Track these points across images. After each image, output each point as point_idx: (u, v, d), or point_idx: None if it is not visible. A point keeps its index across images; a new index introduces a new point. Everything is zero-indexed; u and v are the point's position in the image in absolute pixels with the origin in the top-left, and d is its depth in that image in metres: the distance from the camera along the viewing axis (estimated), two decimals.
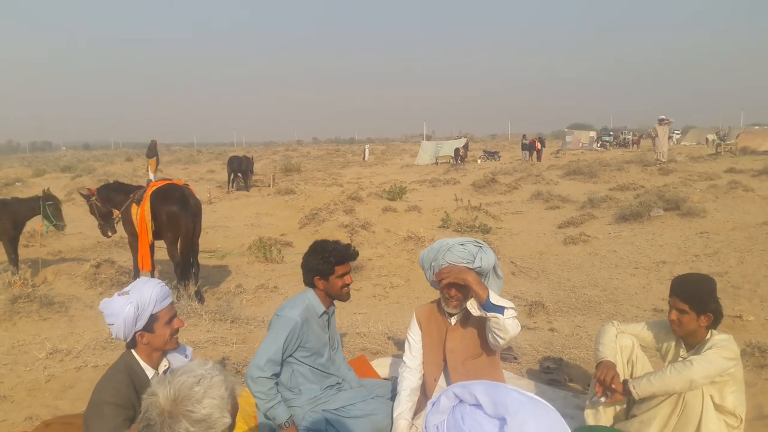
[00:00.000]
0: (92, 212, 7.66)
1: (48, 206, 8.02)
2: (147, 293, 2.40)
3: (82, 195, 7.90)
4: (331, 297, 3.13)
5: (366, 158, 41.31)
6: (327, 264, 3.02)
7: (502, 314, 2.75)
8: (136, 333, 2.39)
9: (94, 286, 7.51)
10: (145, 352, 2.43)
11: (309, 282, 3.11)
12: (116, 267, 8.10)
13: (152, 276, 7.63)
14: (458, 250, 2.91)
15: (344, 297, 3.14)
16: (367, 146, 47.72)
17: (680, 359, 2.87)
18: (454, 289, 2.92)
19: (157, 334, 2.41)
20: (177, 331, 2.48)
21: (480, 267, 2.90)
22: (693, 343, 2.88)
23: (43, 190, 8.41)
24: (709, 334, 2.85)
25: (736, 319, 5.73)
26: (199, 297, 6.96)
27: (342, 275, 3.07)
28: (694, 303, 2.80)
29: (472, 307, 2.88)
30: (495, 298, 2.78)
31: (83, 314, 6.41)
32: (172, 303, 2.50)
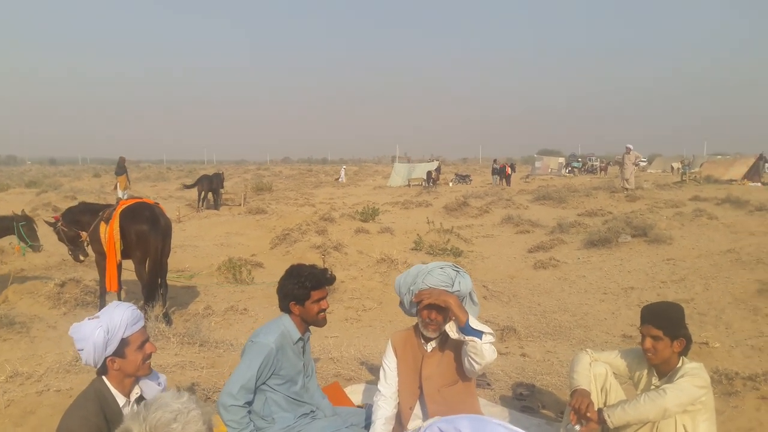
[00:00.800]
0: (60, 239, 7.43)
1: (21, 227, 7.69)
2: (117, 317, 2.33)
3: (47, 223, 7.65)
4: (306, 323, 3.06)
5: (341, 179, 41.25)
6: (302, 289, 2.96)
7: (480, 338, 2.75)
8: (106, 358, 2.31)
9: (57, 306, 7.27)
10: (116, 378, 2.35)
11: (284, 307, 3.05)
12: (81, 286, 7.85)
13: (119, 297, 7.44)
14: (438, 273, 2.93)
15: (320, 323, 3.07)
16: (343, 167, 47.73)
17: (653, 387, 2.90)
18: (434, 312, 2.92)
19: (128, 360, 2.33)
20: (149, 356, 2.41)
21: (458, 291, 2.92)
22: (665, 371, 2.91)
23: (17, 212, 8.00)
24: (680, 362, 2.89)
25: (702, 345, 5.83)
26: (167, 319, 6.80)
27: (318, 300, 3.00)
28: (668, 328, 2.84)
29: (451, 329, 2.90)
30: (474, 322, 2.80)
31: (45, 335, 6.18)
32: (144, 327, 2.43)
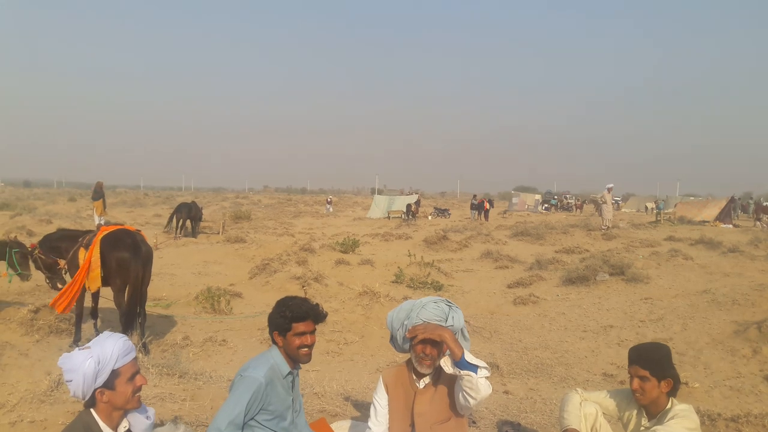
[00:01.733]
0: (37, 267, 7.27)
1: (15, 254, 7.36)
2: (109, 348, 2.30)
3: (24, 254, 7.42)
4: (289, 356, 2.96)
5: (329, 211, 41.04)
6: (283, 318, 2.88)
7: (476, 373, 2.74)
8: (95, 390, 2.26)
9: (30, 333, 7.05)
10: (104, 411, 2.30)
11: (271, 337, 3.00)
12: (56, 313, 7.64)
13: (95, 326, 7.27)
14: (432, 308, 2.94)
15: (301, 358, 2.95)
16: (329, 197, 47.72)
17: (642, 429, 2.91)
18: (429, 347, 2.90)
19: (118, 392, 2.29)
20: (140, 389, 2.36)
21: (452, 326, 2.93)
22: (655, 412, 2.94)
23: (9, 237, 7.76)
24: (669, 402, 2.92)
25: (682, 386, 5.88)
26: (145, 348, 6.65)
27: (301, 333, 2.90)
28: (655, 369, 2.88)
29: (446, 364, 2.89)
30: (469, 357, 2.80)
31: (17, 363, 5.98)
32: (135, 359, 2.39)
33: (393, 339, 3.17)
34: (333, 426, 3.57)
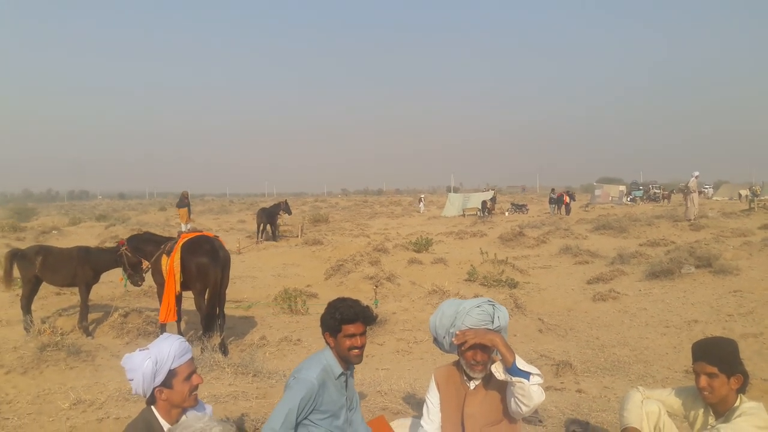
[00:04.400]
0: (121, 262, 7.85)
1: (117, 256, 7.97)
2: (166, 349, 2.45)
3: (111, 247, 8.07)
4: (340, 357, 3.01)
5: (422, 210, 40.97)
6: (333, 320, 2.94)
7: (528, 380, 2.68)
8: (155, 389, 2.42)
9: (121, 336, 7.61)
10: (164, 408, 2.46)
11: (324, 337, 3.08)
12: (144, 317, 8.20)
13: (178, 327, 7.71)
14: (477, 313, 2.89)
15: (352, 359, 2.99)
16: (422, 196, 47.70)
17: (709, 427, 2.77)
18: (479, 353, 2.86)
19: (175, 390, 2.44)
20: (196, 387, 2.50)
21: (499, 326, 2.88)
22: (722, 411, 2.79)
23: (121, 242, 8.29)
24: (738, 400, 2.76)
25: (766, 384, 5.51)
26: (223, 349, 6.99)
27: (351, 335, 2.94)
28: (723, 365, 2.74)
29: (497, 370, 2.82)
30: (521, 363, 2.73)
31: (109, 364, 6.47)
32: (191, 359, 2.53)
33: (436, 341, 3.15)
34: (393, 424, 3.62)
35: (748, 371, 2.81)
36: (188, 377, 2.47)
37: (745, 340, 6.93)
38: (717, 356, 2.76)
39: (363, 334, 3.00)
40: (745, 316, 7.72)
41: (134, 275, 7.81)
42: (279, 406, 2.80)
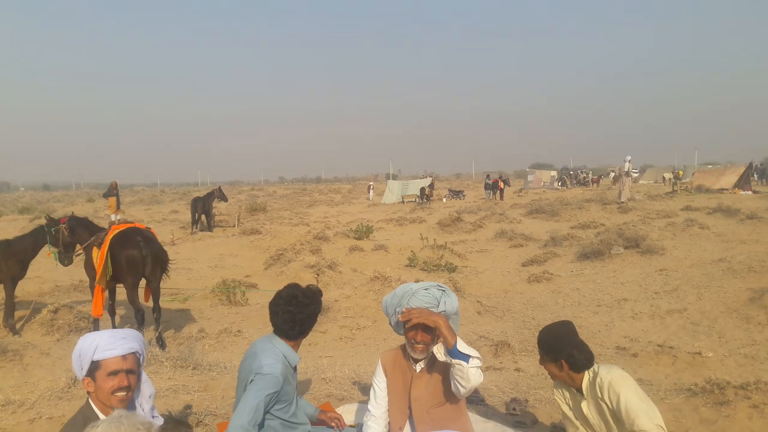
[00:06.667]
0: (54, 239, 7.46)
1: (54, 231, 7.52)
2: (91, 338, 2.40)
3: (48, 219, 7.62)
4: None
5: (371, 198, 40.49)
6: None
7: (467, 362, 2.74)
8: (84, 379, 2.36)
9: (51, 333, 7.23)
10: (97, 402, 2.36)
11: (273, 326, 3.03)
12: (75, 312, 7.82)
13: (112, 322, 7.40)
14: (422, 295, 2.91)
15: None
16: (371, 184, 47.10)
17: (583, 404, 2.88)
18: (421, 333, 2.89)
19: (98, 385, 2.34)
20: (119, 388, 2.34)
21: (444, 311, 2.90)
22: (579, 387, 2.90)
23: (46, 216, 7.95)
24: (586, 375, 2.87)
25: (695, 355, 5.86)
26: (161, 343, 6.78)
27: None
28: (547, 351, 2.91)
29: (438, 352, 2.87)
30: (462, 346, 2.78)
31: (38, 362, 6.14)
32: (123, 357, 2.37)
33: (390, 322, 3.19)
34: (339, 409, 3.61)
35: (593, 352, 2.88)
36: (113, 374, 2.34)
37: (670, 315, 7.34)
38: (541, 342, 2.94)
39: None
40: (670, 293, 8.16)
41: (64, 254, 7.46)
42: (246, 401, 2.71)
